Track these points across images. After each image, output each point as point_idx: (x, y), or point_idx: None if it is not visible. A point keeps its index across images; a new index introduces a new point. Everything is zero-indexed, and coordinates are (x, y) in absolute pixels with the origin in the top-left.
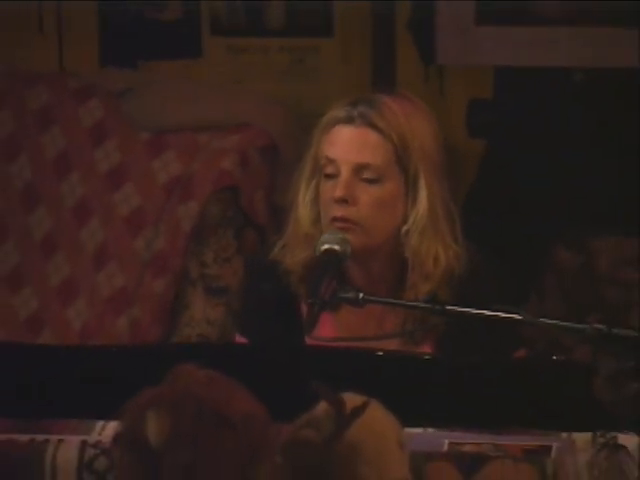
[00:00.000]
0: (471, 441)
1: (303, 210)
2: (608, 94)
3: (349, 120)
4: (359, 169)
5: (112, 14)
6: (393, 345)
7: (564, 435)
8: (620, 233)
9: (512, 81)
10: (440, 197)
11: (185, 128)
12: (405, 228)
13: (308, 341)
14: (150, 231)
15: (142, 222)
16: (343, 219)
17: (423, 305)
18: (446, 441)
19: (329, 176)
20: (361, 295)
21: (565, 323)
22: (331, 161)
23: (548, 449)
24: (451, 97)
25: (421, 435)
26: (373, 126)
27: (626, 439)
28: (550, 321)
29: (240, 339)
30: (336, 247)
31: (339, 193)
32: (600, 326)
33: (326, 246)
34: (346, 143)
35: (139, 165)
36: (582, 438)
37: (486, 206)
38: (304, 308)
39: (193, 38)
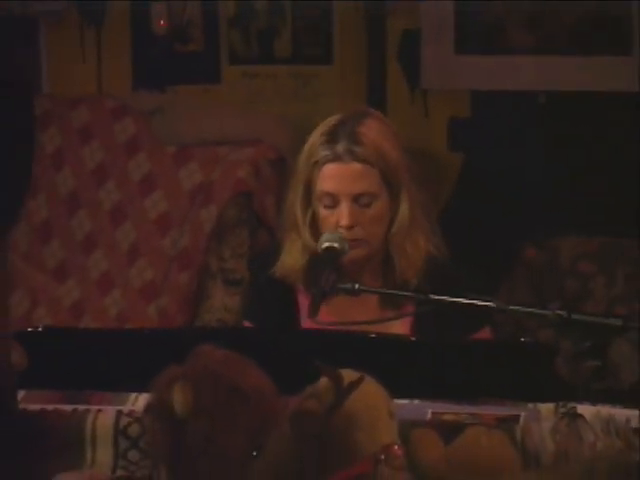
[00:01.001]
0: (451, 411)
1: (304, 231)
2: (567, 113)
3: (337, 158)
4: (356, 198)
5: (144, 45)
6: (379, 328)
7: (530, 405)
8: (579, 233)
9: (486, 102)
10: (417, 199)
11: (206, 143)
12: (392, 230)
13: (310, 324)
14: (176, 231)
15: (169, 223)
16: (350, 240)
17: (409, 294)
18: (429, 411)
19: (328, 206)
20: (357, 286)
21: (531, 310)
22: (329, 194)
23: (517, 417)
24: (434, 116)
25: (408, 406)
26: (360, 160)
27: (583, 409)
28: (519, 308)
29: (246, 325)
30: (335, 245)
31: (345, 222)
32: (561, 312)
33: (327, 244)
34: (341, 179)
35: (166, 174)
36: (546, 408)
37: (464, 210)
38: (301, 299)
39: (213, 66)
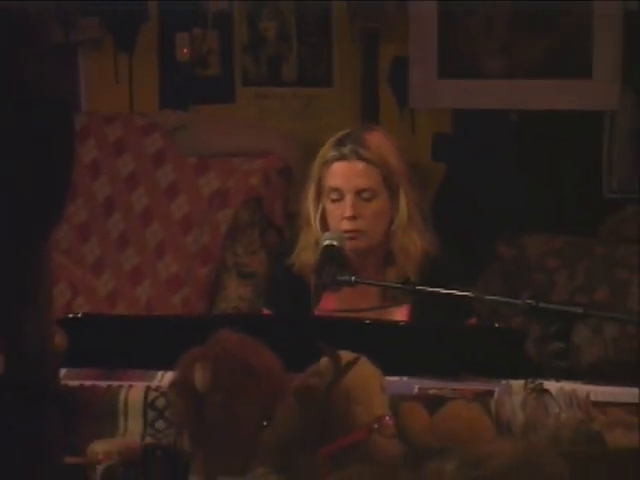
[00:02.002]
0: (435, 386)
1: (314, 225)
2: (536, 129)
3: (344, 157)
4: (359, 192)
5: (169, 70)
6: (377, 315)
7: (504, 382)
8: (544, 233)
9: (465, 120)
10: (414, 201)
11: (223, 155)
12: (392, 228)
13: (315, 313)
14: (197, 231)
15: (191, 224)
16: (352, 231)
17: (399, 285)
18: (416, 386)
19: (335, 200)
20: (353, 278)
21: (504, 299)
22: (335, 189)
23: (492, 392)
24: (420, 132)
25: (397, 382)
26: (363, 159)
27: (549, 385)
28: (493, 297)
29: (265, 312)
30: (335, 243)
31: (348, 213)
32: (530, 301)
33: (327, 242)
34: (346, 175)
35: (188, 182)
36: (517, 384)
37: (446, 212)
38: (313, 292)
39: (229, 88)
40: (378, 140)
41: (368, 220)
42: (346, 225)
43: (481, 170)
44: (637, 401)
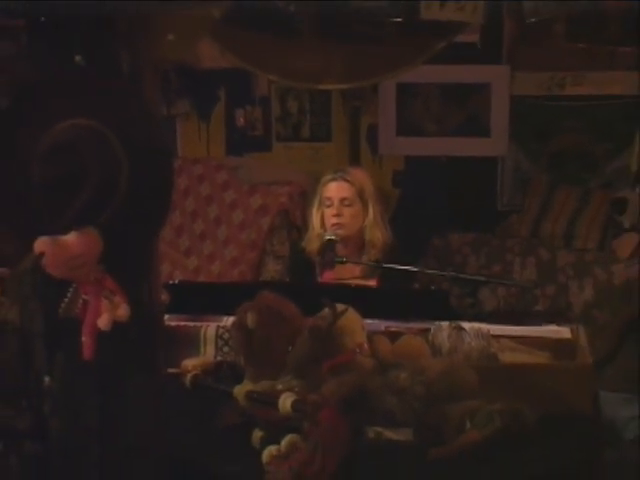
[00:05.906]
0: (394, 326)
1: (316, 223)
2: (457, 168)
3: (334, 179)
4: (342, 200)
5: (232, 132)
6: (359, 282)
7: (437, 322)
8: (461, 231)
9: (413, 161)
10: (378, 210)
11: (264, 183)
12: (364, 225)
13: (319, 281)
14: (248, 230)
15: (245, 226)
16: (337, 224)
17: (372, 264)
18: (383, 326)
19: (328, 206)
20: (344, 259)
21: (436, 272)
22: (328, 198)
23: (429, 329)
24: (385, 169)
25: (371, 323)
26: (345, 180)
27: (465, 324)
28: (430, 271)
29: (289, 280)
30: (333, 237)
31: (335, 212)
32: (453, 273)
33: (328, 237)
34: (335, 189)
35: (243, 201)
36: (445, 324)
37: (401, 220)
38: (317, 268)
39: (268, 143)
40: (357, 172)
41: (347, 218)
42: (334, 220)
43: (423, 192)
44: (520, 334)
